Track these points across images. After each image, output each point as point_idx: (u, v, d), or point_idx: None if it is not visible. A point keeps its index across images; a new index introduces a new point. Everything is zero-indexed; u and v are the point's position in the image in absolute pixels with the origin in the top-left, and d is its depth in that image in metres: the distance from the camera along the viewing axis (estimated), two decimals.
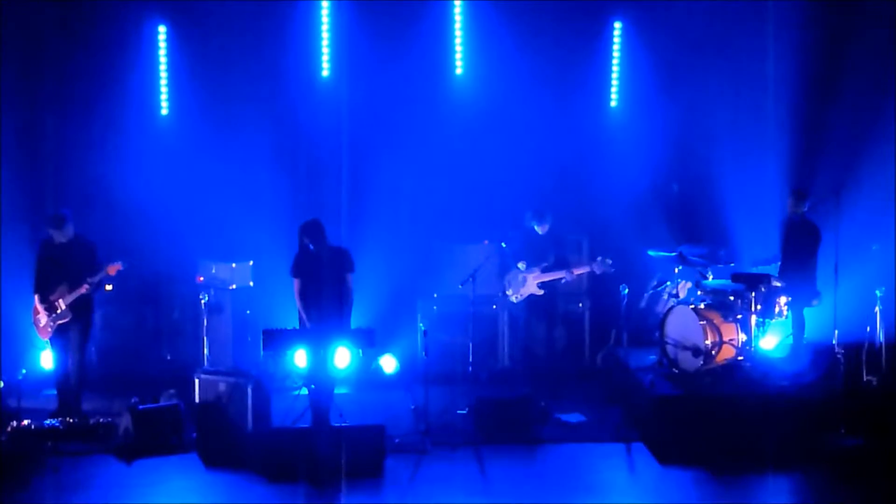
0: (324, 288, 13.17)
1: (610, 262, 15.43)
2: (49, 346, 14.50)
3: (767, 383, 13.74)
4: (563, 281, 15.62)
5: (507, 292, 15.68)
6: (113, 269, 14.34)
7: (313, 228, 13.26)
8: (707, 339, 13.93)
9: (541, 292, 15.52)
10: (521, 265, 15.53)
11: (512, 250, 15.63)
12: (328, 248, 13.27)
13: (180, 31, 17.25)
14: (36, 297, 14.19)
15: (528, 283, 15.50)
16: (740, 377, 13.91)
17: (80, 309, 14.24)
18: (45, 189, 16.68)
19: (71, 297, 14.10)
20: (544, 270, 15.52)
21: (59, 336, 14.26)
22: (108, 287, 14.41)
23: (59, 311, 14.09)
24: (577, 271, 15.65)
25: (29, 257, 15.09)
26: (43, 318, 14.14)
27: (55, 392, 14.51)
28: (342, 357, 15.36)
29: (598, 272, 15.54)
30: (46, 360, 15.61)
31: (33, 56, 16.57)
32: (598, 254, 15.90)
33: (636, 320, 15.95)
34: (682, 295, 15.24)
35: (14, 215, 16.02)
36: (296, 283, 13.36)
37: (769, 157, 16.75)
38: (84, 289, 14.09)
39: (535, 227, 15.68)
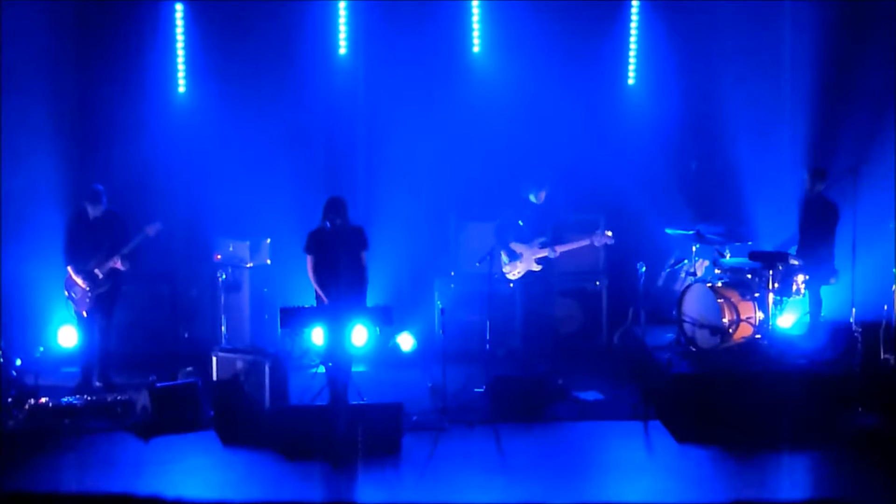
0: (340, 265, 13.16)
1: (610, 234, 15.20)
2: (79, 318, 14.62)
3: (785, 361, 13.75)
4: (551, 257, 15.15)
5: (505, 269, 15.24)
6: (151, 229, 14.48)
7: (339, 205, 13.22)
8: (725, 317, 13.92)
9: (538, 268, 15.11)
10: (513, 245, 15.09)
11: (508, 227, 15.27)
12: (346, 226, 13.28)
13: (197, 9, 17.22)
14: (70, 267, 14.34)
15: (525, 258, 15.11)
16: (758, 355, 13.90)
17: (115, 279, 14.50)
18: (63, 166, 16.66)
19: (107, 267, 14.26)
20: (542, 246, 15.08)
21: (94, 306, 14.39)
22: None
23: (97, 280, 14.24)
24: (564, 248, 15.19)
25: (46, 235, 15.17)
26: (81, 289, 14.27)
27: (80, 367, 14.66)
28: (360, 335, 15.42)
29: (597, 244, 15.28)
30: (64, 337, 15.72)
31: (52, 32, 16.57)
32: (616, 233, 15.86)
33: (654, 299, 15.95)
34: (699, 273, 15.18)
35: (28, 195, 16.06)
36: (309, 259, 13.36)
37: (787, 135, 16.72)
38: (117, 260, 14.27)
39: (531, 197, 15.15)
